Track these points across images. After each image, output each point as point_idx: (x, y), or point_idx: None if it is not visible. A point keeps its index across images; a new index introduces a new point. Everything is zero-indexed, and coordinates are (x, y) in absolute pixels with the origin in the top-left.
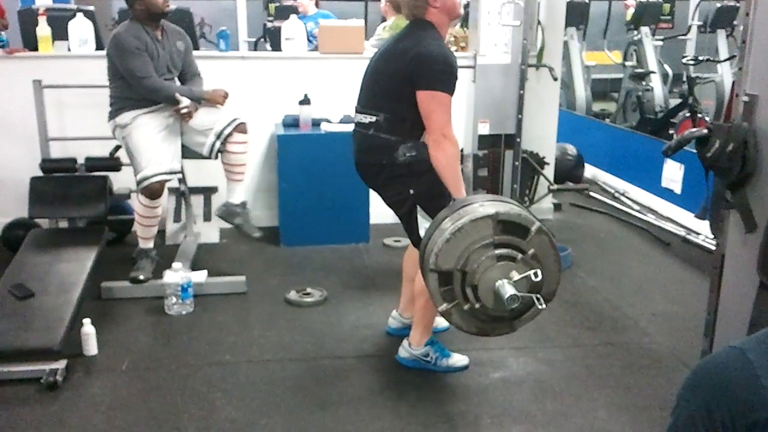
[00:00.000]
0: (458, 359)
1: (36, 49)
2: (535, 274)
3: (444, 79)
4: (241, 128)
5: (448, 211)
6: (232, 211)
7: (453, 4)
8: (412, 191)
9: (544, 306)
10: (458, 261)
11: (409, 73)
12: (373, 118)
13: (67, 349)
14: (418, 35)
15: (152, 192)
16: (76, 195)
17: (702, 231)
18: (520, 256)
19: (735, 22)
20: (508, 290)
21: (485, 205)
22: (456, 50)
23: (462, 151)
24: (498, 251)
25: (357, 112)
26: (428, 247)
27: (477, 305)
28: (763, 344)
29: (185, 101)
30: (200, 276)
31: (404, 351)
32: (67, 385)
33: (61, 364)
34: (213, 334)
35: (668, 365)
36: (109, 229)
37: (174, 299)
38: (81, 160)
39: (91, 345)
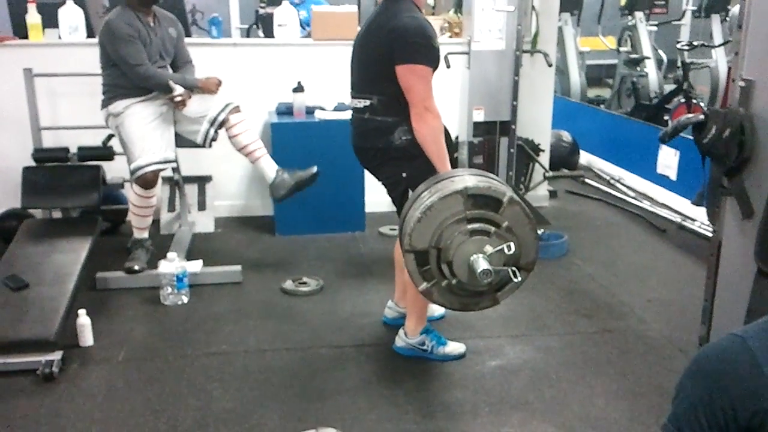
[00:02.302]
0: (455, 347)
1: (26, 37)
2: (508, 247)
3: (421, 51)
4: (234, 111)
5: (426, 184)
6: (277, 186)
7: None
8: (404, 174)
9: (519, 278)
10: (432, 239)
11: (388, 50)
12: (368, 102)
13: (63, 341)
14: (392, 10)
15: (146, 182)
16: (69, 185)
17: (698, 217)
18: (493, 229)
19: (729, 7)
20: (480, 265)
21: (456, 181)
22: (450, 36)
23: (457, 138)
24: (470, 226)
25: (352, 97)
26: (404, 227)
27: (454, 281)
28: (765, 332)
29: (178, 89)
30: (195, 266)
31: (400, 340)
32: (63, 377)
33: (56, 356)
34: (209, 324)
35: (665, 352)
36: (102, 219)
37: (169, 289)
38: (73, 150)
39: (86, 336)
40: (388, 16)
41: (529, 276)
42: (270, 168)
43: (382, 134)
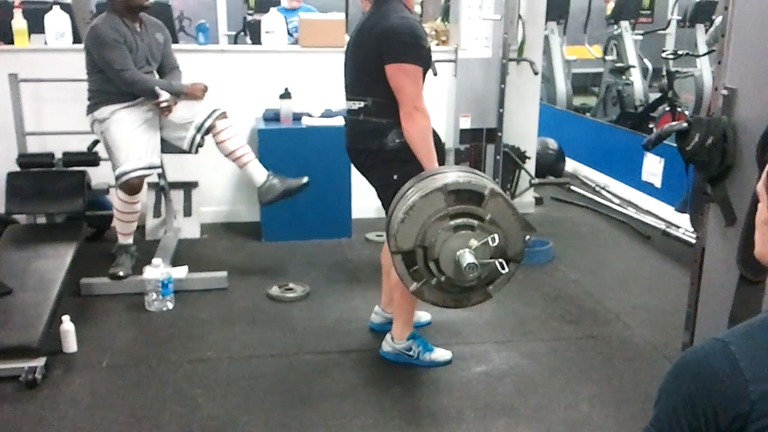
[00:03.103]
0: (441, 354)
1: (12, 42)
2: (493, 239)
3: (410, 50)
4: (221, 117)
5: (411, 183)
6: (265, 191)
7: None
8: (396, 177)
9: (507, 270)
10: (417, 238)
11: (378, 51)
12: (362, 104)
13: (46, 347)
14: (382, 11)
15: (131, 187)
16: (53, 190)
17: (682, 224)
18: (477, 223)
19: (713, 17)
20: (466, 259)
21: (437, 178)
22: (437, 44)
23: (443, 145)
24: (454, 222)
25: (347, 99)
26: (390, 229)
27: (443, 278)
28: (747, 336)
29: (165, 95)
30: (181, 272)
31: (387, 345)
32: (47, 383)
33: (40, 362)
34: (194, 331)
35: (649, 358)
36: (87, 225)
37: (154, 295)
38: (59, 155)
39: (70, 342)
40: (378, 17)
41: (518, 267)
42: (259, 173)
43: (375, 136)
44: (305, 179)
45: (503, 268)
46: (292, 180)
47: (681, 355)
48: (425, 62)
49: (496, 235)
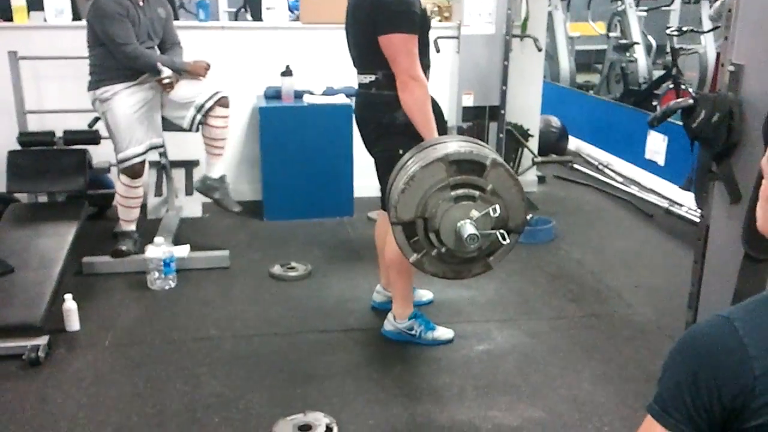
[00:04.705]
0: (443, 332)
1: (11, 19)
2: (494, 210)
3: (400, 18)
4: (222, 102)
5: (411, 153)
6: (210, 186)
7: None
8: (401, 151)
9: (507, 241)
10: (417, 209)
11: (372, 23)
12: (373, 77)
13: (49, 325)
14: None
15: (133, 172)
16: (54, 169)
17: (685, 203)
18: (478, 193)
19: None
20: (467, 230)
21: (438, 148)
22: (440, 20)
23: (446, 122)
24: (455, 192)
25: (357, 73)
26: (390, 199)
27: (443, 249)
28: (750, 313)
29: (167, 71)
30: (183, 250)
31: (389, 324)
32: (50, 362)
33: (42, 340)
34: (196, 309)
35: (652, 337)
36: (89, 204)
37: (156, 274)
38: (59, 134)
39: (73, 321)
40: None
41: (519, 238)
42: (218, 169)
43: (387, 109)
44: (238, 208)
45: (504, 239)
46: (229, 198)
47: (685, 332)
48: (420, 26)
49: (497, 206)
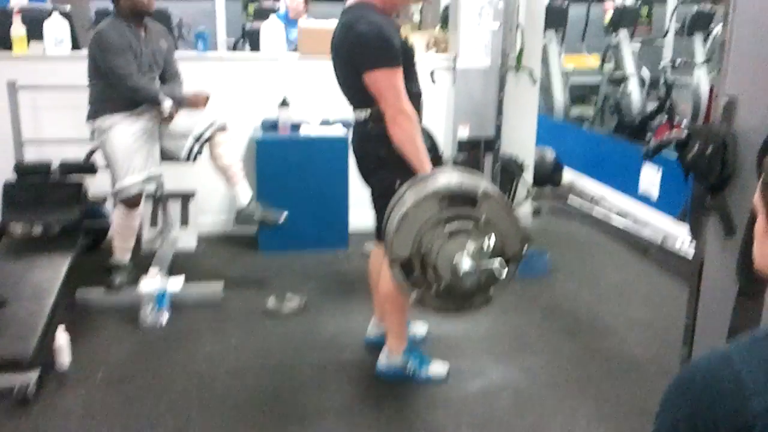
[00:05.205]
0: (437, 368)
1: (10, 49)
2: (489, 242)
3: (380, 54)
4: (221, 130)
5: (408, 184)
6: (247, 214)
7: None
8: (398, 183)
9: (507, 271)
10: (413, 246)
11: (354, 62)
12: (368, 111)
13: (40, 359)
14: (349, 20)
15: (131, 202)
16: (50, 200)
17: (679, 236)
18: (472, 225)
19: (711, 26)
20: (464, 264)
21: (428, 183)
22: (436, 52)
23: (441, 154)
24: (449, 226)
25: (352, 109)
26: (386, 237)
27: (442, 285)
28: (748, 349)
29: (167, 102)
30: (177, 283)
31: (383, 359)
32: (40, 397)
33: (33, 375)
34: (189, 343)
35: (648, 372)
36: (84, 235)
37: (150, 307)
38: (56, 164)
39: (64, 355)
40: (346, 29)
41: (518, 266)
42: (245, 194)
43: (383, 141)
44: (284, 215)
45: (502, 270)
46: (271, 212)
47: (683, 368)
48: (398, 61)
49: (492, 237)
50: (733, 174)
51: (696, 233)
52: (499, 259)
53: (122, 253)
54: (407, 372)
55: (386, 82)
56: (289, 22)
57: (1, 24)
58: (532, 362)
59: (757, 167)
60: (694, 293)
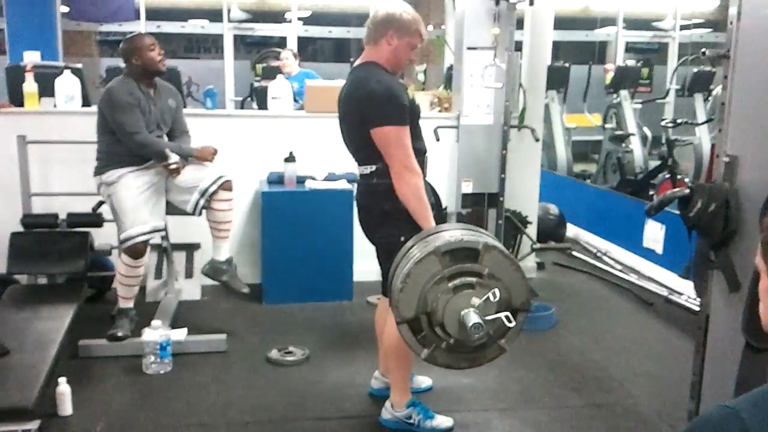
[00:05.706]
0: (442, 421)
1: (22, 105)
2: (494, 294)
3: (389, 112)
4: (226, 186)
5: (414, 240)
6: (217, 269)
7: (401, 57)
8: (402, 239)
9: (513, 323)
10: (418, 305)
11: (362, 119)
12: (373, 167)
13: (41, 409)
14: (359, 79)
15: (135, 252)
16: (56, 251)
17: (684, 291)
18: (476, 279)
19: (711, 87)
20: (470, 319)
21: (429, 241)
22: (440, 111)
23: (446, 209)
24: (452, 283)
25: (358, 165)
26: (391, 298)
27: (452, 341)
28: (757, 405)
29: (174, 157)
30: (180, 334)
31: (387, 412)
32: None
33: (34, 425)
34: (191, 395)
35: (654, 427)
36: (88, 286)
37: (152, 358)
38: (63, 216)
39: (66, 405)
40: (356, 86)
41: (527, 316)
42: (224, 252)
43: (389, 196)
44: (246, 289)
45: (510, 321)
46: (237, 279)
47: (692, 423)
48: (406, 119)
49: (497, 290)
50: (736, 231)
51: (701, 289)
52: (506, 313)
53: (126, 300)
54: (411, 425)
55: (394, 138)
56: (288, 77)
57: (14, 80)
58: (537, 416)
59: (760, 224)
60: (700, 348)
